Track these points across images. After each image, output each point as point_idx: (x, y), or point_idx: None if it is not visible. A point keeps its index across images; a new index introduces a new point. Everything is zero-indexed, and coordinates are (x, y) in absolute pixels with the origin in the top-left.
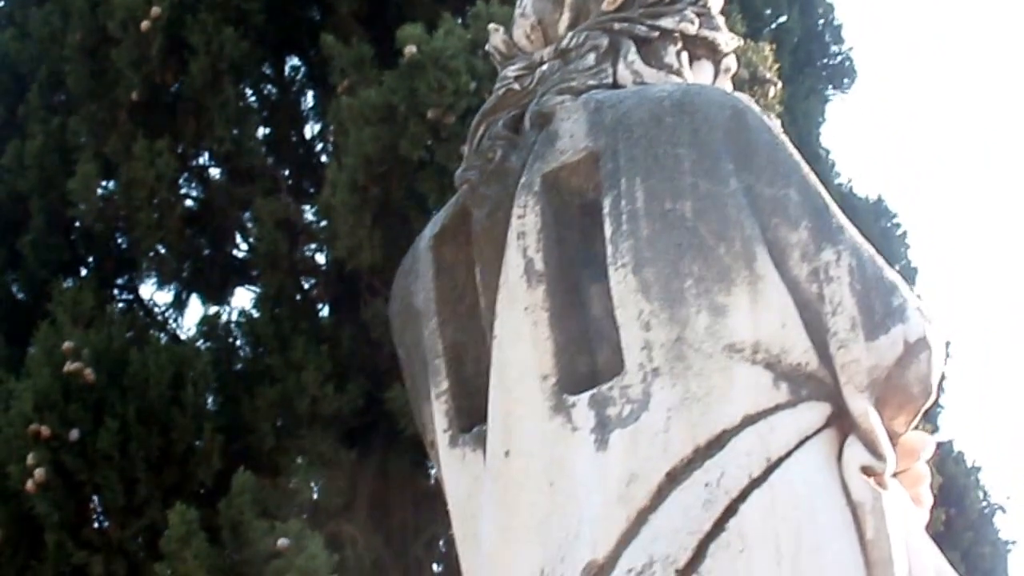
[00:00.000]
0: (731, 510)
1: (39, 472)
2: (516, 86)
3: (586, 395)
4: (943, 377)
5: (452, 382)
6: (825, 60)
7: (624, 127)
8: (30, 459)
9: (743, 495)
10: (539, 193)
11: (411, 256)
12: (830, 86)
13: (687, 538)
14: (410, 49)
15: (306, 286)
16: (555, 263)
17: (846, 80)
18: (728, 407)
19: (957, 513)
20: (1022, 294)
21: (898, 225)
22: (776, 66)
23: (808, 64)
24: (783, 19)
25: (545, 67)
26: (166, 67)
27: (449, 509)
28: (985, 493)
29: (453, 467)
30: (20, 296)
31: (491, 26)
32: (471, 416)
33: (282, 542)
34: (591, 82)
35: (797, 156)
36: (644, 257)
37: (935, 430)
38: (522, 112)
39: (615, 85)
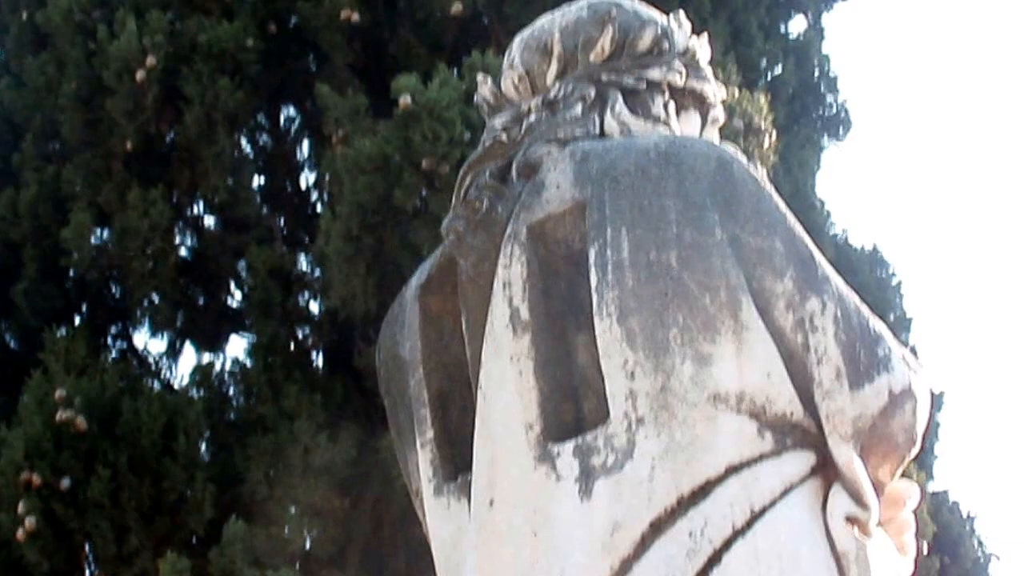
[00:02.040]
0: (714, 560)
1: (30, 521)
2: (503, 136)
3: (570, 444)
4: (932, 426)
5: (437, 431)
6: (820, 111)
7: (610, 178)
8: (21, 508)
9: (727, 544)
10: (525, 243)
11: (398, 305)
12: (825, 136)
13: None
14: (405, 99)
15: (300, 335)
16: (541, 313)
17: (841, 130)
18: (712, 456)
19: (951, 562)
20: (1017, 345)
21: (893, 275)
22: (771, 116)
23: (803, 114)
24: (779, 70)
25: (532, 117)
26: (161, 117)
27: (434, 559)
28: (980, 542)
29: (438, 516)
30: (12, 345)
31: (479, 76)
32: (456, 465)
33: None
34: (578, 132)
35: (783, 207)
36: (629, 307)
37: (930, 479)
38: (509, 162)
39: (602, 135)
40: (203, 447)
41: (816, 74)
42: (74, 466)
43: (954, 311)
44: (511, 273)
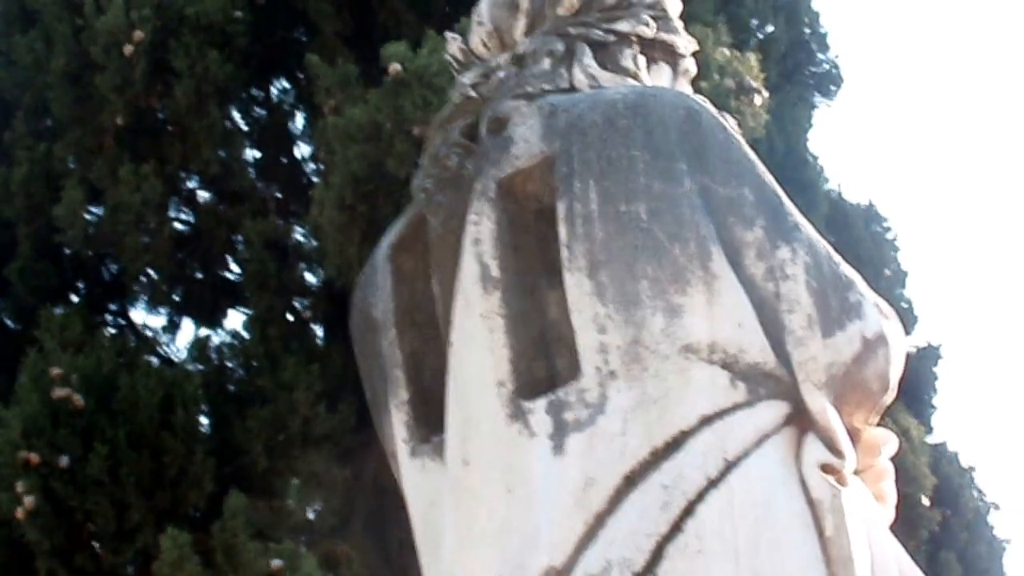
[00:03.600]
0: (688, 511)
1: (29, 500)
2: (472, 93)
3: (543, 400)
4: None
5: (411, 392)
6: (812, 68)
7: (578, 130)
8: (20, 487)
9: (700, 496)
10: (494, 199)
11: (370, 266)
12: (817, 94)
13: (644, 540)
14: (395, 67)
15: (298, 307)
16: (511, 269)
17: (833, 87)
18: (685, 408)
19: (952, 513)
20: (1013, 295)
21: (888, 229)
22: (762, 75)
23: (795, 73)
24: (770, 29)
25: (501, 73)
26: (150, 91)
27: (411, 519)
28: (980, 492)
29: (414, 477)
30: (8, 323)
31: (448, 35)
32: (431, 426)
33: (276, 563)
34: (546, 87)
35: (752, 155)
36: (599, 260)
37: (928, 431)
38: (478, 119)
39: (571, 89)
40: (202, 421)
41: (807, 32)
42: (72, 443)
43: (950, 264)
44: (481, 230)
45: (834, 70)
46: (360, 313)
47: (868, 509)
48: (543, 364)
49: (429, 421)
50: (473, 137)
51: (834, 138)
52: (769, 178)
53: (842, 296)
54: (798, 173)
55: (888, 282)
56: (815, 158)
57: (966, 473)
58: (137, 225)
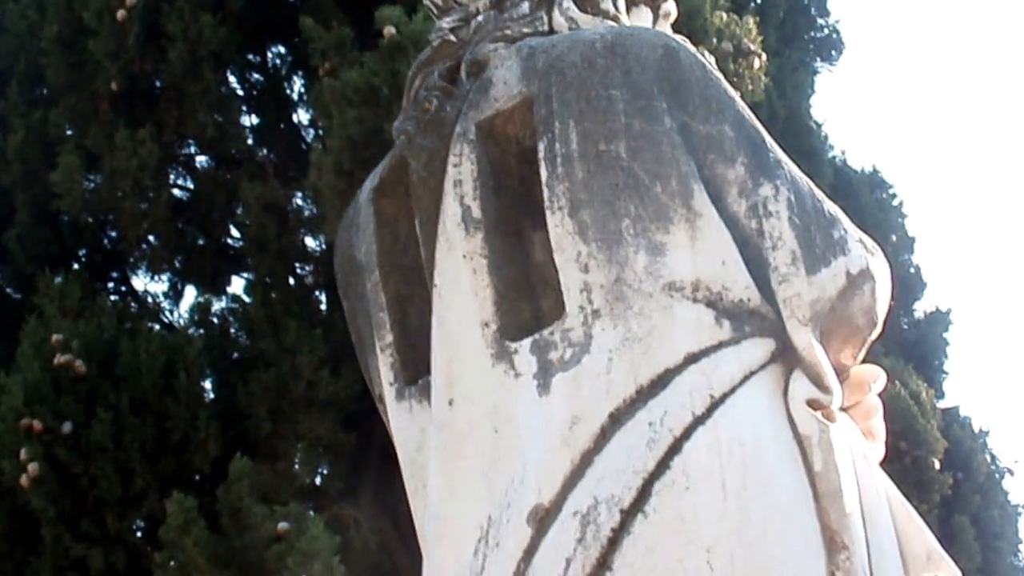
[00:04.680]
0: (675, 448)
1: (33, 467)
2: (452, 37)
3: (528, 341)
4: (941, 344)
5: (397, 335)
6: (812, 33)
7: (557, 71)
8: (23, 454)
9: (687, 433)
10: (474, 141)
11: (352, 209)
12: (818, 59)
13: (631, 478)
14: (389, 30)
15: (300, 272)
16: (493, 210)
17: (834, 52)
18: (670, 346)
19: (964, 477)
20: (1022, 259)
21: (894, 195)
22: (760, 39)
23: (795, 37)
24: None
25: (480, 17)
26: (144, 56)
27: (400, 463)
28: (993, 457)
29: (401, 420)
30: (8, 291)
31: None
32: (417, 368)
33: (282, 526)
34: (526, 30)
35: (732, 92)
36: (580, 199)
37: (940, 396)
38: (458, 63)
39: (551, 32)
40: (205, 385)
41: None
42: (75, 410)
43: (958, 228)
44: (461, 172)
45: (835, 35)
46: (343, 255)
47: (857, 445)
48: (528, 306)
49: (415, 363)
50: (453, 80)
51: (837, 104)
52: (749, 115)
53: (826, 232)
54: (801, 140)
55: (895, 248)
56: (818, 124)
57: (979, 437)
58: (135, 191)
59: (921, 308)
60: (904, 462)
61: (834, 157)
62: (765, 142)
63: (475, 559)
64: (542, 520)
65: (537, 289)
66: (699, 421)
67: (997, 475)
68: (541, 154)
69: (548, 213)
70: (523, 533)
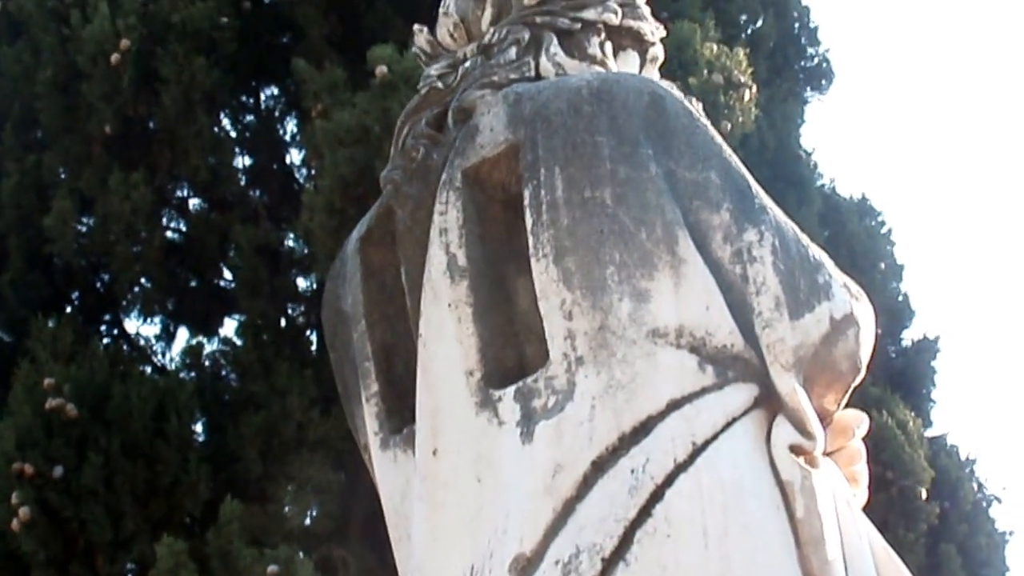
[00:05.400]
0: (657, 496)
1: (24, 511)
2: (439, 84)
3: (512, 388)
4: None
5: (382, 384)
6: (802, 63)
7: (543, 118)
8: (14, 498)
9: (669, 480)
10: (460, 189)
11: (339, 260)
12: (808, 88)
13: (613, 526)
14: (381, 69)
15: (292, 313)
16: (478, 258)
17: (824, 81)
18: (653, 393)
19: (952, 506)
20: (1011, 287)
21: (883, 223)
22: (751, 70)
23: (785, 67)
24: (759, 24)
25: (468, 63)
26: (138, 99)
27: (384, 512)
28: (980, 485)
29: (386, 469)
30: (1, 335)
31: (415, 27)
32: (402, 417)
33: (272, 569)
34: (512, 76)
35: (719, 139)
36: (565, 246)
37: (927, 425)
38: (445, 109)
39: (538, 78)
40: (196, 428)
41: (796, 27)
42: (66, 454)
43: (946, 257)
44: (447, 220)
45: (825, 64)
46: (330, 306)
47: (840, 490)
48: (513, 353)
49: (400, 413)
50: (441, 128)
51: (826, 132)
52: (736, 162)
53: (810, 277)
54: (790, 169)
55: (884, 276)
56: (808, 153)
57: (965, 466)
58: (128, 234)
59: (909, 336)
60: (891, 492)
61: (823, 185)
62: (751, 188)
63: None
64: (524, 569)
65: (521, 336)
66: (681, 468)
67: (984, 503)
68: (526, 201)
69: (533, 260)
70: None
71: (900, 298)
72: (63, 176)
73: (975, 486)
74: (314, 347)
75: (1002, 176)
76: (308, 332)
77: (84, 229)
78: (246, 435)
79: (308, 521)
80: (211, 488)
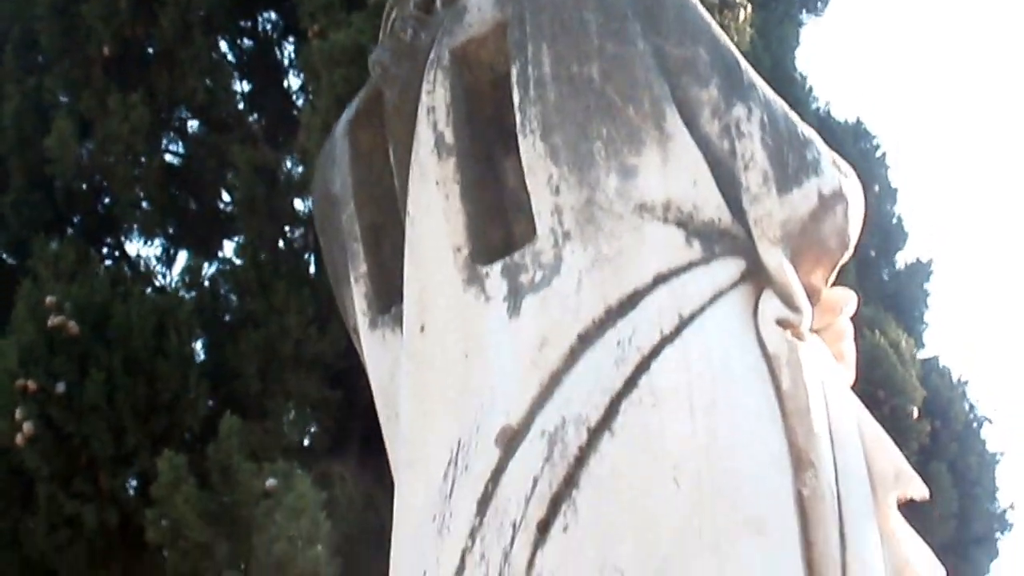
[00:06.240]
0: (643, 367)
1: (27, 426)
2: None
3: (499, 264)
4: (921, 294)
5: (370, 264)
6: None
7: None
8: (18, 414)
9: (655, 352)
10: (448, 68)
11: (328, 144)
12: (803, 10)
13: (599, 396)
14: None
15: (291, 235)
16: (466, 137)
17: (819, 3)
18: (640, 267)
19: (943, 426)
20: (1004, 208)
21: (877, 147)
22: None
23: None
24: None
25: None
26: (136, 21)
27: (373, 393)
28: (972, 406)
29: (374, 349)
30: (4, 256)
31: None
32: (391, 297)
33: (270, 482)
34: None
35: (707, 16)
36: (552, 122)
37: (920, 346)
38: None
39: None
40: (196, 346)
41: None
42: (68, 370)
43: (940, 179)
44: (435, 98)
45: None
46: (320, 191)
47: (827, 366)
48: (500, 232)
49: (389, 293)
50: (429, 9)
51: (821, 55)
52: (724, 39)
53: (799, 153)
54: (785, 91)
55: (878, 199)
56: (803, 76)
57: (957, 387)
58: (127, 155)
59: (902, 259)
60: (883, 411)
61: (818, 109)
62: (739, 64)
63: (444, 483)
64: (510, 441)
65: (510, 215)
66: (667, 340)
67: (975, 424)
68: (514, 77)
69: (520, 136)
70: (491, 455)
71: (894, 221)
72: (63, 99)
73: (966, 407)
74: (312, 267)
75: (997, 99)
76: (306, 254)
77: (85, 152)
78: (245, 352)
79: (307, 439)
80: (211, 404)
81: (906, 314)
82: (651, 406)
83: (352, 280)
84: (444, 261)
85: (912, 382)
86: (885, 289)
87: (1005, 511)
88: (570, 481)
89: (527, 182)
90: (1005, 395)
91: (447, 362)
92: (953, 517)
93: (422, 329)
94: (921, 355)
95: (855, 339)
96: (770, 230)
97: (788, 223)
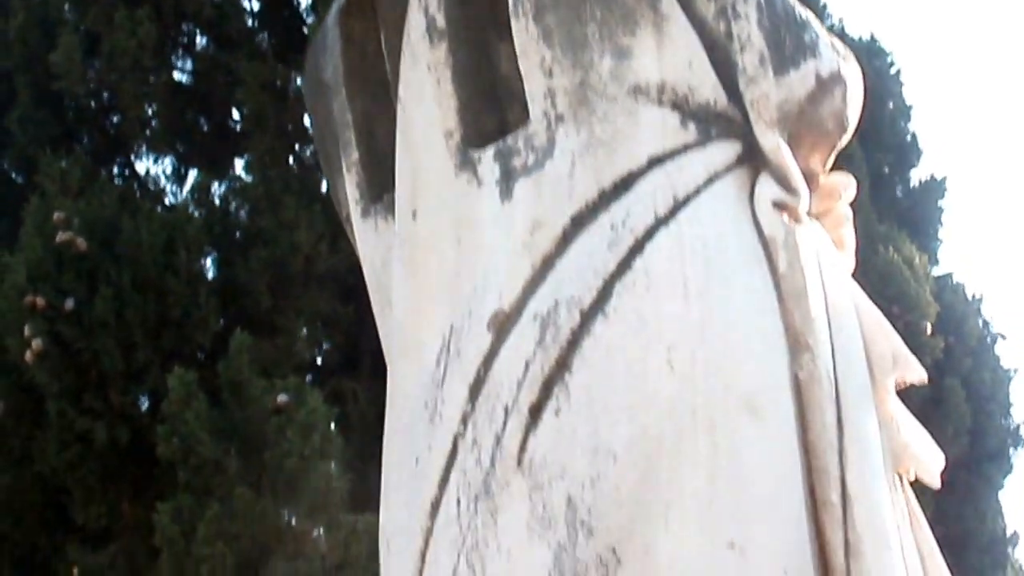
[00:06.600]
0: (637, 249)
1: (37, 343)
2: None
3: (491, 148)
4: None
5: (362, 152)
6: None
7: None
8: (27, 330)
9: (649, 234)
10: None
11: (320, 32)
12: None
13: (592, 279)
14: None
15: (301, 151)
16: (458, 20)
17: None
18: (634, 149)
19: (956, 341)
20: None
21: (891, 64)
22: None
23: None
24: None
25: None
26: None
27: (366, 282)
28: (986, 323)
29: (367, 238)
30: (12, 173)
31: None
32: (383, 186)
33: (282, 398)
34: None
35: None
36: (545, 4)
37: (934, 263)
38: None
39: None
40: (206, 263)
41: None
42: (77, 287)
43: (954, 97)
44: None
45: None
46: (311, 78)
47: (825, 251)
48: (493, 118)
49: (381, 181)
50: None
51: None
52: None
53: (797, 35)
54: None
55: (892, 116)
56: None
57: (972, 303)
58: (135, 71)
59: (917, 176)
60: (896, 327)
61: (832, 26)
62: None
63: (437, 368)
64: (502, 325)
65: (503, 101)
66: (662, 222)
67: (989, 340)
68: None
69: (513, 19)
70: (483, 339)
71: (908, 138)
72: (69, 15)
73: (980, 323)
74: (323, 184)
75: (1012, 15)
76: (317, 170)
77: (92, 71)
78: (255, 269)
79: (318, 355)
80: (221, 321)
81: (920, 231)
82: (645, 288)
83: (344, 169)
84: (435, 146)
85: (926, 298)
86: (899, 206)
87: (1018, 427)
88: (562, 364)
89: (520, 65)
90: (1019, 311)
91: (439, 247)
92: (967, 433)
93: (414, 215)
94: (935, 272)
95: (869, 253)
96: (766, 112)
97: (785, 105)
